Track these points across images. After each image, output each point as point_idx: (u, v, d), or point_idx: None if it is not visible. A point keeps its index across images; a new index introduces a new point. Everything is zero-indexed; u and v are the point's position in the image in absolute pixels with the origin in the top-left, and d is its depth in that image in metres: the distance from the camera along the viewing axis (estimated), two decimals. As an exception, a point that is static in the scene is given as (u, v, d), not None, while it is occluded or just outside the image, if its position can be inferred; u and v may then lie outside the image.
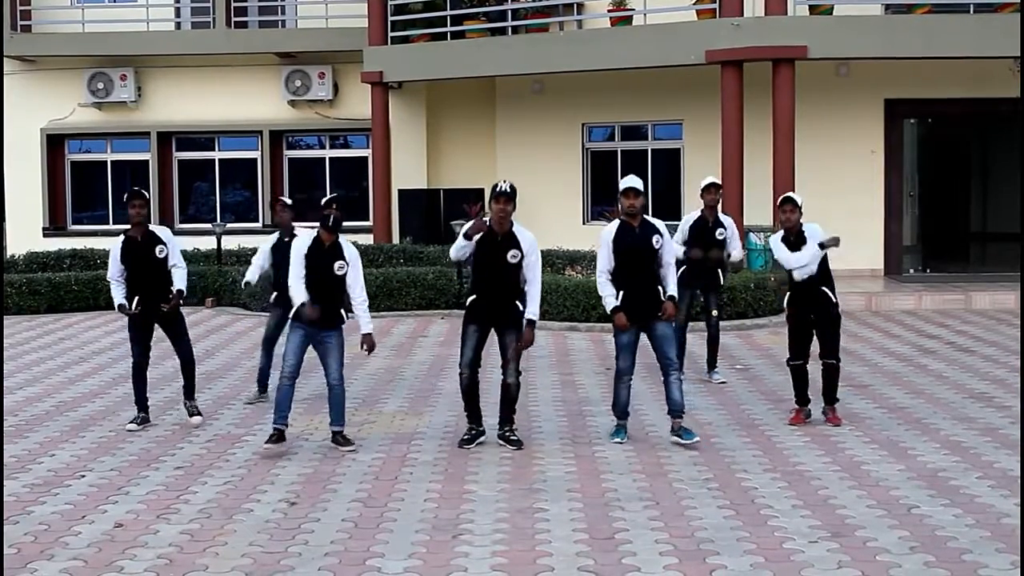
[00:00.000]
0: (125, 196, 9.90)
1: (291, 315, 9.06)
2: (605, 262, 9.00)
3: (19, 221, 23.38)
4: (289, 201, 10.91)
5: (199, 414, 10.05)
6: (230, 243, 20.21)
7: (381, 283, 17.30)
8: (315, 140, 23.78)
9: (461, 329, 9.15)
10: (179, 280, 9.90)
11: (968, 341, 14.04)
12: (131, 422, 9.91)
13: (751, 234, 18.17)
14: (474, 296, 9.02)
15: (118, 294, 9.86)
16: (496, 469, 8.26)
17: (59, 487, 7.94)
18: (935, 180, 20.83)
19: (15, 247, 22.79)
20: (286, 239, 10.24)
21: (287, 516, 7.18)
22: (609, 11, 19.55)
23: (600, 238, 9.08)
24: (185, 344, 10.12)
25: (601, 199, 21.41)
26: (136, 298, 9.78)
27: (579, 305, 15.49)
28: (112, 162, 23.85)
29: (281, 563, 6.30)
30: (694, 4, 18.74)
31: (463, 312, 9.17)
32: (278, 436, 8.91)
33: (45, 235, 23.07)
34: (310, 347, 9.08)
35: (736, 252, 11.68)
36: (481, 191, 21.39)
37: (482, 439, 9.05)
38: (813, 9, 18.15)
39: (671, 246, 9.21)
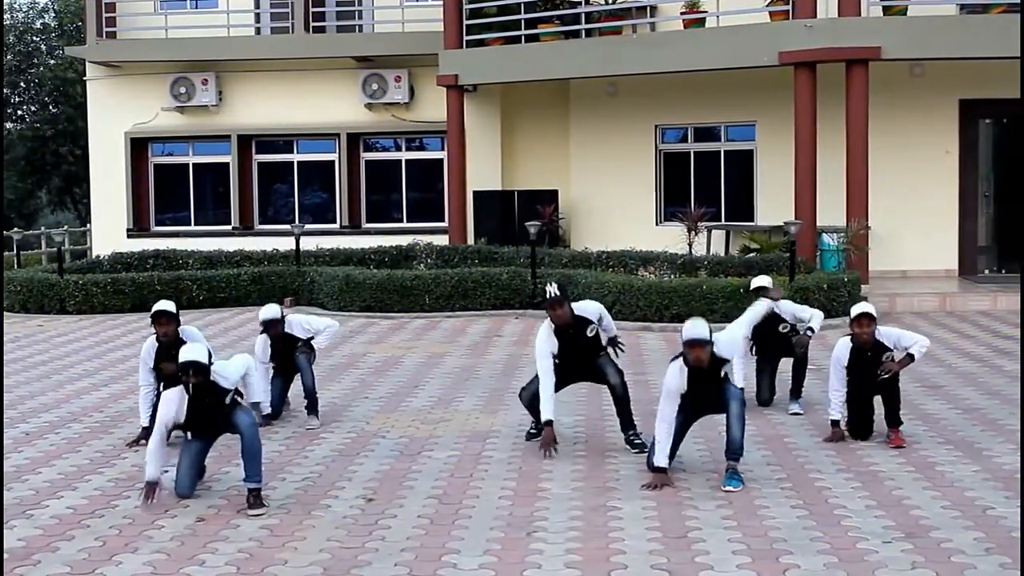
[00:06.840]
0: (151, 315, 9.05)
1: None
2: (668, 409, 8.04)
3: (104, 222, 23.99)
4: None
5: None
6: (308, 244, 20.54)
7: (456, 283, 17.50)
8: (391, 142, 24.05)
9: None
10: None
11: (1046, 343, 13.87)
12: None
13: (824, 235, 18.08)
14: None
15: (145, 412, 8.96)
16: (570, 467, 8.33)
17: (143, 482, 8.05)
18: (1010, 180, 20.55)
19: (100, 247, 23.36)
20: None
21: (364, 512, 7.29)
22: (682, 13, 19.56)
23: (666, 381, 8.09)
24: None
25: (674, 200, 21.41)
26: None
27: (652, 305, 15.53)
28: (194, 164, 24.31)
29: (358, 558, 6.39)
30: (767, 5, 18.71)
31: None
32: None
33: (129, 236, 23.56)
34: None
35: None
36: (555, 192, 21.50)
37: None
38: (887, 10, 18.04)
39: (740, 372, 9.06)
